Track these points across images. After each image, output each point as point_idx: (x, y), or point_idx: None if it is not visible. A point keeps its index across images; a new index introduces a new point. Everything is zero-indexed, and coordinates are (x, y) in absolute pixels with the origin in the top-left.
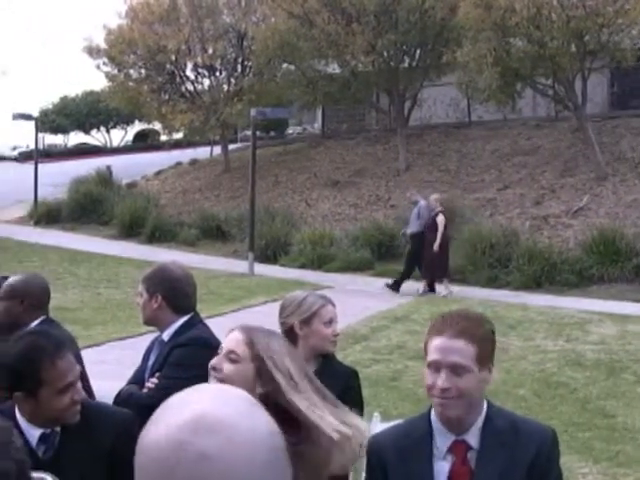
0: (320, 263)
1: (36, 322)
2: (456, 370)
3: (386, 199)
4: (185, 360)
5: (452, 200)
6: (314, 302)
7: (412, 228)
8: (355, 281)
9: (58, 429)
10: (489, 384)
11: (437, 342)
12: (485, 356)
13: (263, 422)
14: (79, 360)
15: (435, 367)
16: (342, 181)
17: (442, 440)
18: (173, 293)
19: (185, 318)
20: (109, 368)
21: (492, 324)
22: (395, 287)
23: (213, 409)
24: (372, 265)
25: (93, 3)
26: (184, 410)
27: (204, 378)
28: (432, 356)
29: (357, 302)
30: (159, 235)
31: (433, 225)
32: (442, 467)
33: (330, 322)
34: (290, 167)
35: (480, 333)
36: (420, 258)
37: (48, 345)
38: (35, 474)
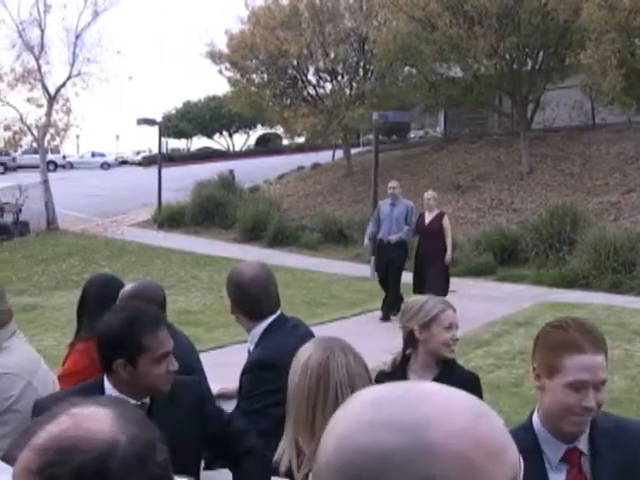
0: None
1: None
2: (600, 387)
3: (509, 203)
4: (252, 390)
5: (575, 204)
6: (433, 306)
7: (398, 234)
8: (477, 286)
9: (147, 401)
10: None
11: (581, 360)
12: None
13: None
14: (199, 364)
15: (578, 386)
16: (464, 185)
17: (553, 450)
18: (240, 299)
19: (265, 324)
20: (231, 371)
21: None
22: (386, 315)
23: None
24: (494, 270)
25: (215, 9)
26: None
27: (275, 406)
28: (577, 375)
29: (479, 307)
30: (281, 239)
31: (436, 229)
32: (557, 478)
33: (450, 327)
34: (412, 171)
35: (604, 341)
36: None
37: (148, 316)
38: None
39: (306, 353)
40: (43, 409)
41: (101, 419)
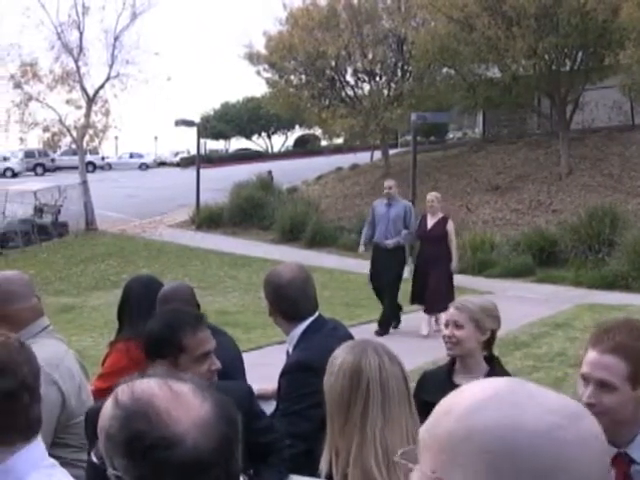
0: (480, 268)
1: None
2: (603, 387)
3: (548, 204)
4: (292, 392)
5: (615, 205)
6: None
7: (395, 238)
8: (516, 287)
9: None
10: None
11: (590, 354)
12: None
13: None
14: (240, 363)
15: (584, 379)
16: (503, 186)
17: None
18: (278, 301)
19: (303, 326)
20: (269, 371)
21: None
22: (385, 330)
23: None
24: (533, 271)
25: (253, 10)
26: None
27: (315, 407)
28: (583, 368)
29: (517, 308)
30: (319, 240)
31: (439, 234)
32: None
33: (446, 324)
34: (450, 172)
35: (636, 350)
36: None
37: (189, 317)
38: None
39: (340, 356)
40: (96, 419)
41: (195, 407)
